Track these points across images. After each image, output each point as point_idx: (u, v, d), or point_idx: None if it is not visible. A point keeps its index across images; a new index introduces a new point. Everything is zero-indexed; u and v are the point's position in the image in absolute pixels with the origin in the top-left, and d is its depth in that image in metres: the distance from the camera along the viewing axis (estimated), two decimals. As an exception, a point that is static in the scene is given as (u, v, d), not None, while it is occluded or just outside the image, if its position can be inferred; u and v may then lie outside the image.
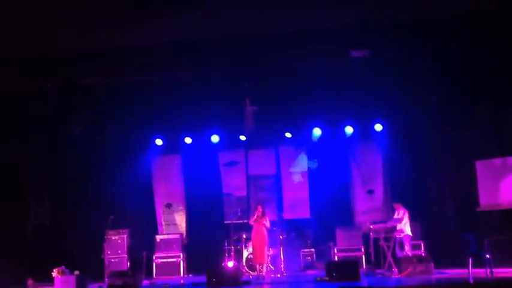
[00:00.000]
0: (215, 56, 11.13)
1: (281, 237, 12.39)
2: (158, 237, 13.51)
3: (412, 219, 11.70)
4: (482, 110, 12.31)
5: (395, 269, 10.69)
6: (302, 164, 14.29)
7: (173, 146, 14.47)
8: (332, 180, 13.69)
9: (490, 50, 10.80)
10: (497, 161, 12.23)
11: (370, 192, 13.91)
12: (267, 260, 11.93)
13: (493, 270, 9.38)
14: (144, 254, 13.07)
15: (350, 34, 10.67)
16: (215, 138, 14.23)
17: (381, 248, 11.13)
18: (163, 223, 14.46)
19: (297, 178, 14.30)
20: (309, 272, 12.43)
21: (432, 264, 10.51)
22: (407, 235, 11.42)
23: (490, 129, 12.69)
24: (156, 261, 13.13)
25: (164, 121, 13.53)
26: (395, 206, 11.83)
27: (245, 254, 12.51)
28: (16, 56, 10.96)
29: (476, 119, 12.59)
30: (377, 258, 11.32)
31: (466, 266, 9.26)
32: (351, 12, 10.08)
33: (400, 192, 13.01)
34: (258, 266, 11.79)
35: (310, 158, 14.22)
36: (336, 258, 12.68)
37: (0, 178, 13.01)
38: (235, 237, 12.80)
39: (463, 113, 12.52)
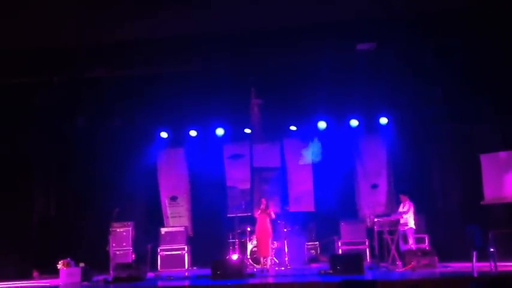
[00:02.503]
0: (221, 49, 11.09)
1: (285, 230, 12.41)
2: (163, 230, 13.55)
3: (417, 213, 11.68)
4: (488, 104, 12.25)
5: (399, 263, 10.70)
6: (307, 156, 14.28)
7: (178, 139, 14.51)
8: (336, 174, 13.67)
9: (496, 43, 10.75)
10: (502, 155, 12.19)
11: (375, 186, 13.92)
12: (271, 253, 11.97)
13: (497, 263, 9.38)
14: (149, 246, 13.11)
15: (356, 27, 10.61)
16: (220, 131, 14.25)
17: (385, 241, 11.12)
18: (168, 216, 14.51)
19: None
20: (313, 265, 12.43)
21: (436, 258, 10.48)
22: (411, 228, 11.40)
23: (496, 123, 12.65)
24: (160, 253, 13.18)
25: (169, 114, 13.56)
26: (402, 197, 11.73)
27: (249, 246, 12.54)
28: (22, 48, 10.97)
29: (481, 113, 12.54)
30: (381, 252, 11.32)
31: (470, 260, 9.25)
32: (356, 5, 10.04)
33: (404, 185, 12.95)
34: (262, 258, 11.83)
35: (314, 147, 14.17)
36: (340, 252, 12.70)
37: (7, 170, 13.06)
38: (239, 230, 12.84)
39: (469, 107, 12.47)
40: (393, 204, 13.12)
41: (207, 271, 10.49)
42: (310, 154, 14.13)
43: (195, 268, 13.02)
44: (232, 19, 10.26)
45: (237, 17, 10.18)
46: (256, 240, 12.05)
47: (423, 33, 10.67)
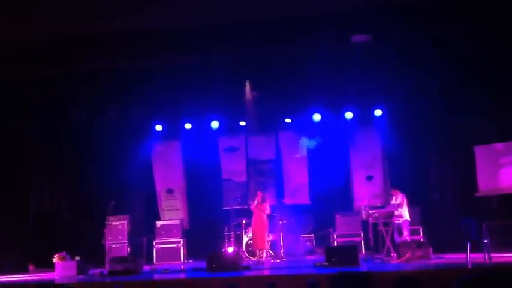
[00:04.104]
0: (216, 42, 11.09)
1: (281, 222, 12.42)
2: (158, 223, 13.53)
3: (411, 205, 11.71)
4: (484, 96, 12.26)
5: (394, 254, 10.72)
6: (302, 148, 14.28)
7: (173, 131, 14.47)
8: (332, 166, 13.67)
9: (492, 35, 10.75)
10: (496, 146, 12.23)
11: (370, 178, 13.94)
12: (267, 245, 11.97)
13: (492, 255, 9.41)
14: (145, 239, 13.12)
15: (351, 19, 10.60)
16: (215, 124, 14.23)
17: (380, 233, 11.14)
18: (164, 209, 14.49)
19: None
20: (309, 257, 12.45)
21: (431, 249, 10.51)
22: (405, 220, 11.43)
23: (490, 115, 12.67)
24: (156, 246, 13.17)
25: (164, 107, 13.54)
26: (393, 192, 11.78)
27: (245, 239, 12.56)
28: (18, 41, 10.92)
29: (476, 105, 12.55)
30: (376, 244, 11.35)
31: (464, 251, 9.28)
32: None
33: (399, 177, 12.99)
34: (257, 251, 11.83)
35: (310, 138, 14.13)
36: (336, 244, 12.74)
37: (2, 164, 13.02)
38: (235, 223, 12.83)
39: (464, 99, 12.47)
40: (388, 196, 13.09)
41: (203, 264, 10.46)
42: (307, 143, 14.11)
43: (190, 261, 13.03)
44: (228, 12, 10.24)
45: (232, 9, 10.15)
46: (252, 233, 12.06)
47: (419, 25, 10.68)
